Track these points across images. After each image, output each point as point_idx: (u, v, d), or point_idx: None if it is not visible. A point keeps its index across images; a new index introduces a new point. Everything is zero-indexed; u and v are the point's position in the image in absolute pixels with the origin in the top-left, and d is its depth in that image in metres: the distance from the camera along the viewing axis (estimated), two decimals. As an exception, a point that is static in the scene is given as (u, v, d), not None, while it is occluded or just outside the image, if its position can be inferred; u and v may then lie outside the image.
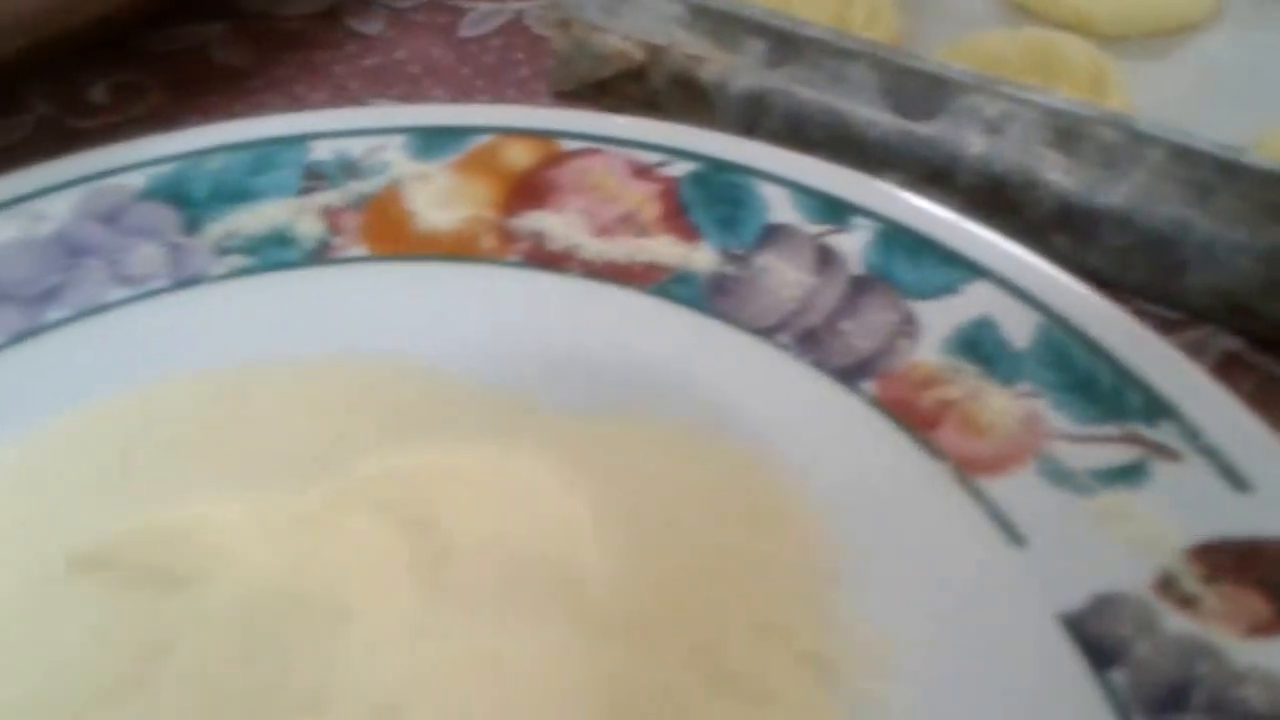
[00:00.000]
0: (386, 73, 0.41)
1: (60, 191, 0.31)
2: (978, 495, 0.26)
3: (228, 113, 0.39)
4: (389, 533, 0.25)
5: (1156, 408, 0.26)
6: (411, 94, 0.41)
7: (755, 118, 0.36)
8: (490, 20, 0.43)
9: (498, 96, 0.40)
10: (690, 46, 0.37)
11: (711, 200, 0.31)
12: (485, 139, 0.33)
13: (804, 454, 0.27)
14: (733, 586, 0.25)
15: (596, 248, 0.31)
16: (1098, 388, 0.26)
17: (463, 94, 0.40)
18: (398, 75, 0.41)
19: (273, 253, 0.31)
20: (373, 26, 0.43)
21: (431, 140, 0.33)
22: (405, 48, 0.42)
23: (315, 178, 0.32)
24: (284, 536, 0.25)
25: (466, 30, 0.43)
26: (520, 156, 0.32)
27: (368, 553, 0.25)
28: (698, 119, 0.38)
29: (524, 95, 0.41)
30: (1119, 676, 0.22)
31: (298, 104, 0.40)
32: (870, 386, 0.28)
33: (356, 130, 0.33)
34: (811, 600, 0.25)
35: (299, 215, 0.31)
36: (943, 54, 0.37)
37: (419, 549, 0.25)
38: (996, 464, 0.26)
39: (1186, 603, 0.23)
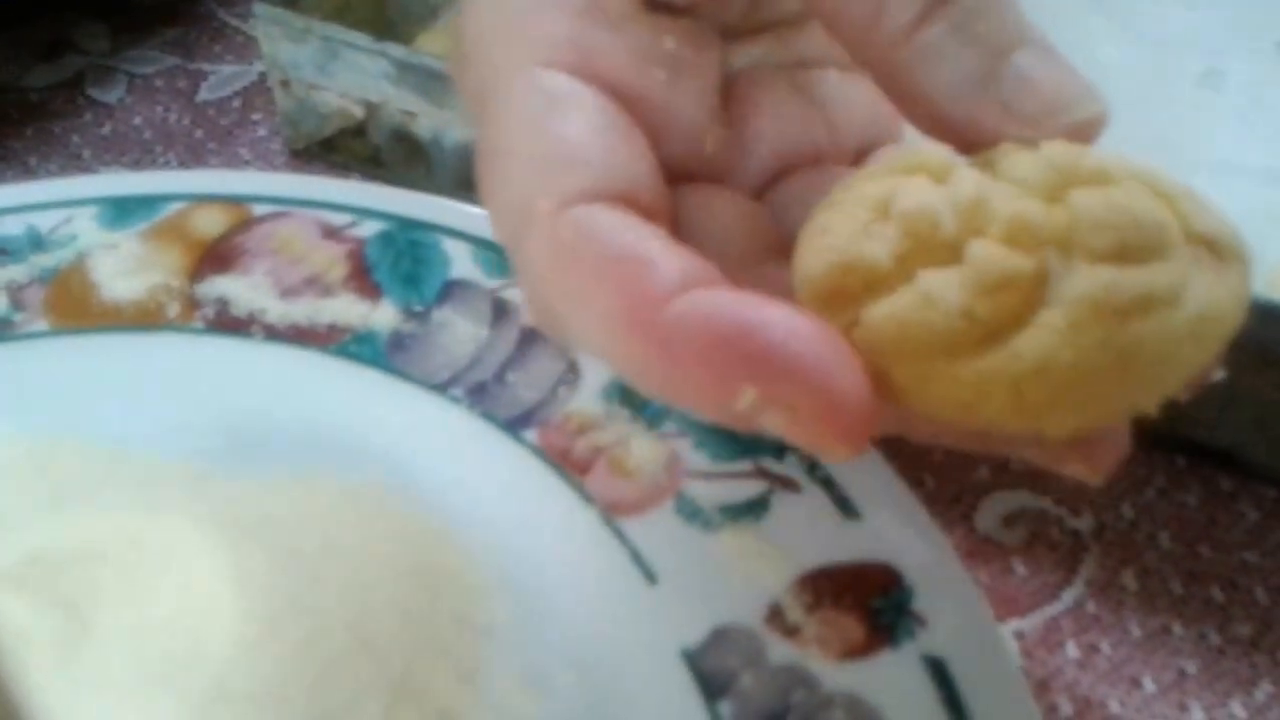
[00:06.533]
0: (121, 140, 0.42)
1: None
2: (621, 537, 0.26)
3: (-44, 187, 0.39)
4: (33, 615, 0.25)
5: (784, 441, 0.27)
6: (143, 160, 0.41)
7: (471, 171, 0.37)
8: (232, 83, 0.44)
9: (231, 159, 0.41)
10: (403, 102, 0.37)
11: (397, 258, 0.32)
12: (178, 206, 0.33)
13: (471, 506, 0.28)
14: (375, 649, 0.25)
15: (280, 310, 0.31)
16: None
17: (194, 158, 0.41)
18: (132, 142, 0.42)
19: (-48, 332, 0.31)
20: (113, 94, 0.43)
21: (123, 210, 0.33)
22: (142, 114, 0.43)
23: (0, 253, 0.32)
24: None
25: (206, 94, 0.43)
26: (212, 223, 0.33)
27: (11, 636, 0.25)
28: (418, 173, 0.39)
29: (258, 156, 0.41)
30: (726, 708, 0.23)
31: (29, 175, 0.41)
32: (532, 435, 0.28)
33: (47, 203, 0.33)
34: (459, 657, 0.25)
35: (-20, 293, 0.31)
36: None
37: (60, 630, 0.25)
38: (638, 505, 0.27)
39: (790, 632, 0.24)
